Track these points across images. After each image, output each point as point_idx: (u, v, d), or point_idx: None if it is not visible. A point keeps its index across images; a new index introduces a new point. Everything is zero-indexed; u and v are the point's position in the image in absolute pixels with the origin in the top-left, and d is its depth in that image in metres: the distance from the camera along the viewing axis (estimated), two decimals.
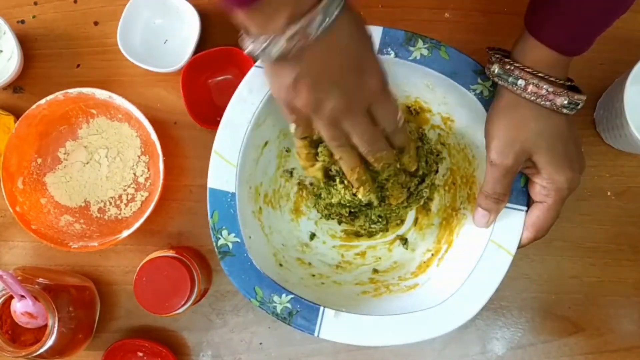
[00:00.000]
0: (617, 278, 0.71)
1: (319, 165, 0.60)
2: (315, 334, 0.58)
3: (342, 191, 0.62)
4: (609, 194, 0.71)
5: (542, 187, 0.57)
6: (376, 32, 0.60)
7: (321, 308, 0.59)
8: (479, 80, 0.60)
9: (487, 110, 0.59)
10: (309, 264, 0.68)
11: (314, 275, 0.66)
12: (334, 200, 0.63)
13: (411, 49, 0.60)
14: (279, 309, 0.59)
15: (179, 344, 0.73)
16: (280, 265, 0.65)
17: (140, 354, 0.72)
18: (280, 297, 0.59)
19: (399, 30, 0.60)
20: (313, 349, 0.72)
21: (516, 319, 0.71)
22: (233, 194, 0.60)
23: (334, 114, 0.50)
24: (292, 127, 0.56)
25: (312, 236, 0.70)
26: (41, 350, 0.64)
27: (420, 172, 0.64)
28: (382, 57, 0.60)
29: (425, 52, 0.60)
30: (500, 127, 0.56)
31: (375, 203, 0.62)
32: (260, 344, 0.73)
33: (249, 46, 0.48)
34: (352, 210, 0.67)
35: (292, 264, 0.66)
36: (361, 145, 0.53)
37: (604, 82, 0.70)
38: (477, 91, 0.60)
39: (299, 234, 0.70)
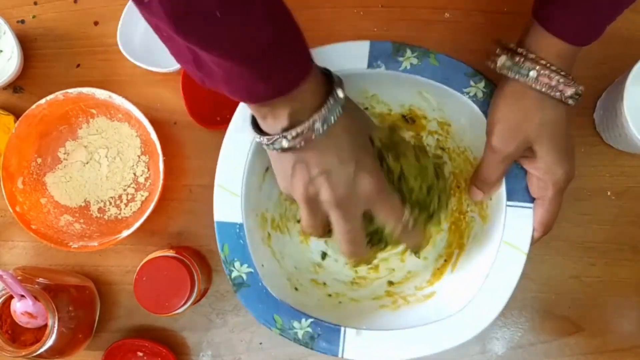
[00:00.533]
0: (617, 278, 0.70)
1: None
2: (339, 356, 0.58)
3: None
4: (609, 194, 0.71)
5: (539, 180, 0.57)
6: (363, 47, 0.59)
7: (342, 328, 0.58)
8: (472, 83, 0.59)
9: (482, 112, 0.59)
10: (324, 284, 0.67)
11: (330, 295, 0.66)
12: None
13: (400, 59, 0.59)
14: (300, 334, 0.58)
15: (179, 344, 0.73)
16: (296, 289, 0.64)
17: (140, 354, 0.72)
18: (300, 322, 0.59)
19: (386, 42, 0.59)
20: None
21: (516, 318, 0.71)
22: (241, 225, 0.60)
23: (325, 207, 0.53)
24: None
25: (324, 255, 0.69)
26: (41, 350, 0.64)
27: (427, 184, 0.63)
28: (372, 70, 0.60)
29: (414, 60, 0.59)
30: (505, 113, 0.56)
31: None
32: (260, 343, 0.73)
33: (257, 139, 0.52)
34: None
35: (307, 286, 0.66)
36: (340, 242, 0.55)
37: (604, 82, 0.70)
38: (471, 94, 0.59)
39: (310, 255, 0.69)
